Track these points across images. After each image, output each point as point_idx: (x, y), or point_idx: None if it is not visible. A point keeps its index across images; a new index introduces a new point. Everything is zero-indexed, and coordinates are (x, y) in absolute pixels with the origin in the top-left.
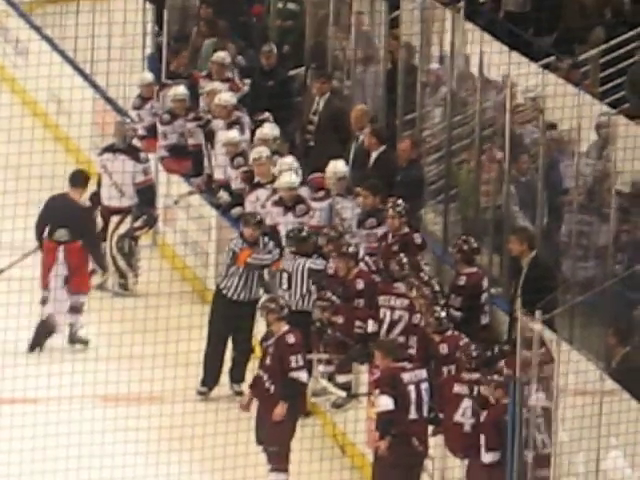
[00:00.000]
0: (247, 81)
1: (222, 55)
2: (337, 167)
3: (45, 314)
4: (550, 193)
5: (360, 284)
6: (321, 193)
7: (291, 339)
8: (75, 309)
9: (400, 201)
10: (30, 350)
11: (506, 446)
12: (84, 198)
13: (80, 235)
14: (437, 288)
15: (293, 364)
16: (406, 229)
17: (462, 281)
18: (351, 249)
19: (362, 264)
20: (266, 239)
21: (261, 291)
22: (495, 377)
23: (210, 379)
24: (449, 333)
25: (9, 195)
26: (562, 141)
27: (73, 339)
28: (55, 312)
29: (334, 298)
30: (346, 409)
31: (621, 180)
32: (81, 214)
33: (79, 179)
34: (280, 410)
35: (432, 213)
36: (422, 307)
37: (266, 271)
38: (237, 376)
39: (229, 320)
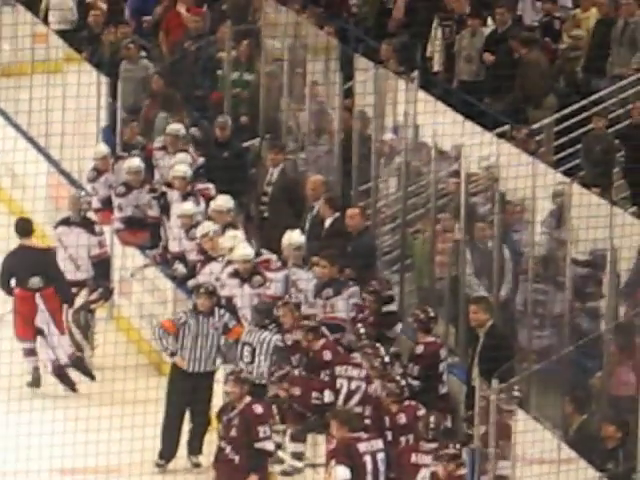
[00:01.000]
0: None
1: (176, 127)
2: (293, 238)
3: (50, 360)
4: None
5: (327, 355)
6: (277, 264)
7: (258, 410)
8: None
9: (375, 283)
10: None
11: None
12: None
13: (51, 279)
14: (387, 360)
15: (261, 434)
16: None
17: (420, 350)
18: (313, 322)
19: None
20: (222, 311)
21: (218, 362)
22: (449, 449)
23: (168, 451)
24: (407, 403)
25: None
26: (516, 210)
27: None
28: (62, 354)
29: (288, 369)
30: (297, 478)
31: (576, 249)
32: (48, 258)
33: (27, 227)
34: None
35: None
36: (376, 377)
37: (222, 342)
38: (195, 448)
39: (186, 392)
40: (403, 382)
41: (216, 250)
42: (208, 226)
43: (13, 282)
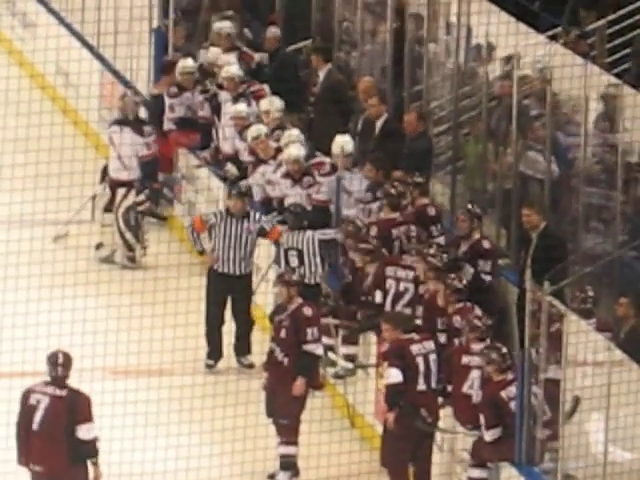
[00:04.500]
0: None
1: (219, 25)
2: (344, 143)
3: None
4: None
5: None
6: (327, 168)
7: (308, 312)
8: None
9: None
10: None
11: (506, 421)
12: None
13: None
14: (445, 260)
15: (309, 337)
16: (425, 200)
17: (487, 245)
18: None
19: None
20: (257, 214)
21: (254, 264)
22: (499, 350)
23: (214, 351)
24: (461, 304)
25: (18, 168)
26: (568, 112)
27: None
28: None
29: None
30: (352, 381)
31: (629, 150)
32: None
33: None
34: (300, 385)
35: (440, 184)
36: (434, 278)
37: (273, 245)
38: (241, 349)
39: (222, 293)
40: (460, 285)
41: (268, 152)
42: (260, 129)
43: None
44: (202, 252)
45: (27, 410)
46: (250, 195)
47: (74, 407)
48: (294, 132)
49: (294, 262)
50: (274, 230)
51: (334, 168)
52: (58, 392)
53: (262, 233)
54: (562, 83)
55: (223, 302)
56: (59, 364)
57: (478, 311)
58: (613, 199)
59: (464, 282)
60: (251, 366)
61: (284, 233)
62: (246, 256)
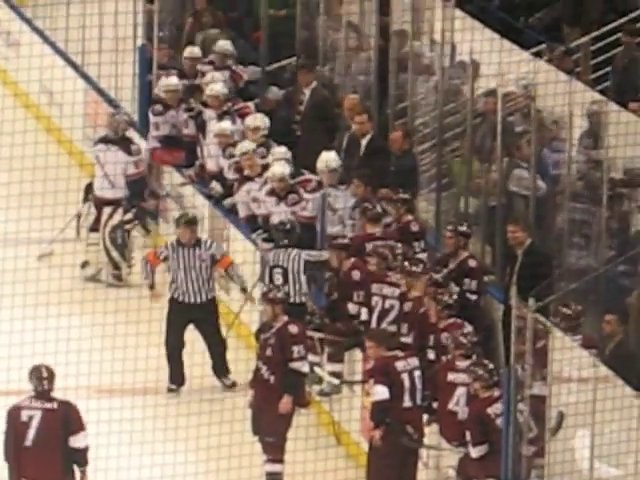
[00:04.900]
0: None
1: (223, 44)
2: (329, 159)
3: None
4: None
5: (356, 275)
6: (313, 184)
7: (294, 329)
8: None
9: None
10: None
11: (493, 438)
12: None
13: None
14: (436, 277)
15: (295, 354)
16: (409, 217)
17: (474, 263)
18: (342, 240)
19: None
20: (208, 242)
21: (216, 290)
22: (484, 366)
23: (176, 377)
24: (451, 321)
25: (1, 187)
26: (553, 128)
27: None
28: None
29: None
30: (338, 398)
31: (613, 166)
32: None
33: None
34: (286, 402)
35: (424, 202)
36: (425, 295)
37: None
38: (220, 370)
39: (182, 322)
40: (451, 300)
41: (254, 169)
42: (248, 145)
43: None
44: (152, 287)
45: (18, 427)
46: (235, 212)
47: (68, 417)
48: (280, 150)
49: (279, 280)
50: (224, 259)
51: (320, 185)
52: (49, 405)
53: (214, 260)
54: (546, 100)
55: (183, 329)
56: (44, 378)
57: (468, 328)
58: (598, 215)
59: (454, 297)
60: (234, 385)
61: (271, 250)
62: (204, 283)
